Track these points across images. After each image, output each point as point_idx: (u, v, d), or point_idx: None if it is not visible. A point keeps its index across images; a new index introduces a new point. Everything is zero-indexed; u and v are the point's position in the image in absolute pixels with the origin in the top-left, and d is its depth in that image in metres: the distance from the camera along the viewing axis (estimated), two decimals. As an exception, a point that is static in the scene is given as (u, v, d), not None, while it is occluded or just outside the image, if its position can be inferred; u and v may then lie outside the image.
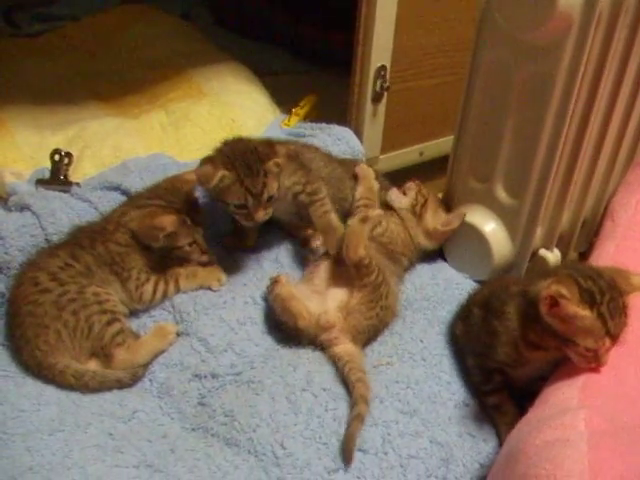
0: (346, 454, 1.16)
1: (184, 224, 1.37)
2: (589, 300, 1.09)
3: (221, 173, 1.32)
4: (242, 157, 1.35)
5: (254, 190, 1.34)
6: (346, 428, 1.19)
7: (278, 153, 1.37)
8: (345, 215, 1.57)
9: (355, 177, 1.61)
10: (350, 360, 1.29)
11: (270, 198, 1.37)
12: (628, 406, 1.04)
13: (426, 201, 1.59)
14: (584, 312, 1.08)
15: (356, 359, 1.31)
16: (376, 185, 1.61)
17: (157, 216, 1.34)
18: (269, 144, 1.40)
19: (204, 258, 1.45)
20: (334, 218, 1.50)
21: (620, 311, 1.12)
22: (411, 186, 1.62)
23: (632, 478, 0.85)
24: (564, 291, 1.08)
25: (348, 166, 1.63)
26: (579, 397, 1.06)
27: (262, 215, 1.38)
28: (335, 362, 1.31)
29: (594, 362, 1.11)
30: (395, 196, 1.61)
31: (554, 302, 1.09)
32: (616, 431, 0.93)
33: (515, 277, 1.40)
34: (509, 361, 1.22)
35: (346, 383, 1.27)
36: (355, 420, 1.19)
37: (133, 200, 1.44)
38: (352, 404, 1.23)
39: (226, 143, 1.41)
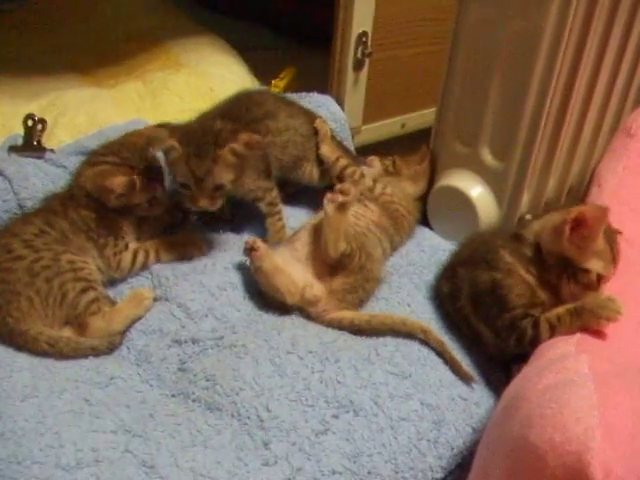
0: (464, 377, 1.23)
1: (139, 182, 1.28)
2: None
3: (171, 143, 1.25)
4: (199, 135, 1.27)
5: (197, 172, 1.26)
6: (444, 360, 1.25)
7: (239, 140, 1.28)
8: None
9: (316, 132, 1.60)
10: (372, 316, 1.31)
11: (218, 188, 1.29)
12: (624, 347, 1.02)
13: (394, 159, 1.63)
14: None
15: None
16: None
17: (107, 177, 1.26)
18: (234, 130, 1.30)
19: (167, 216, 1.41)
20: (286, 232, 1.50)
21: (615, 241, 1.22)
22: (372, 158, 1.66)
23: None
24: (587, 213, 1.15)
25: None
26: (576, 349, 1.04)
27: (206, 204, 1.29)
28: (346, 326, 1.29)
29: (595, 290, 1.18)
30: (366, 171, 1.61)
31: (577, 224, 1.15)
32: (619, 371, 0.91)
33: (489, 233, 1.38)
34: (526, 302, 1.21)
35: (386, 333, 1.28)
36: (441, 347, 1.25)
37: (88, 158, 1.36)
38: (424, 341, 1.26)
39: (198, 120, 1.35)
